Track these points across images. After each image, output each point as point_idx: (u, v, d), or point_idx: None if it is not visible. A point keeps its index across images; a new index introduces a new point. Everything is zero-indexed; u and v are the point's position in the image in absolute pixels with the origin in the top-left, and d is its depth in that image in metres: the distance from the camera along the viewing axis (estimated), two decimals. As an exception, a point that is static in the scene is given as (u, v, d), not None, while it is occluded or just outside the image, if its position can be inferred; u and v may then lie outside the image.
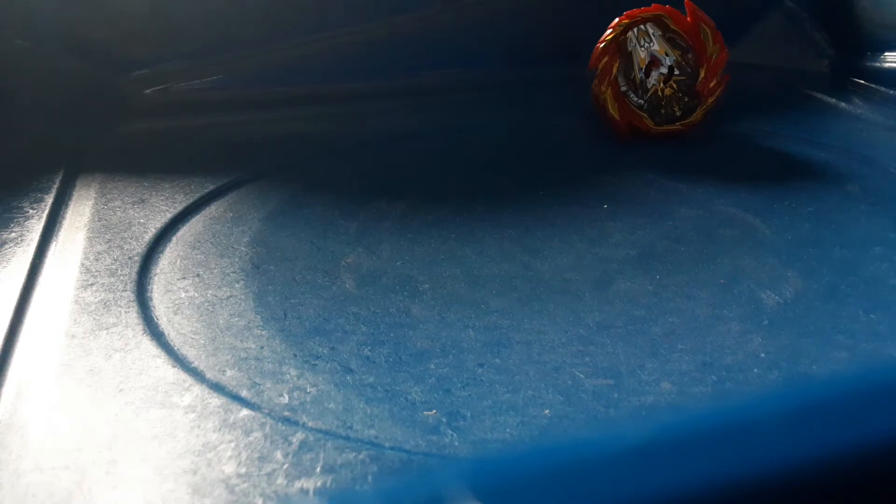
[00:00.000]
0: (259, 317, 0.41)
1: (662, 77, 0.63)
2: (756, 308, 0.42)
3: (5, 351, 0.38)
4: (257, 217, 0.52)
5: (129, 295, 0.43)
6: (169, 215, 0.52)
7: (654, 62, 0.63)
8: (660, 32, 0.63)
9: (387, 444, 0.32)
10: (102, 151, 0.63)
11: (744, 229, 0.50)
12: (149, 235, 0.49)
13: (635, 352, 0.39)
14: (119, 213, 0.52)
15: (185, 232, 0.50)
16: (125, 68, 0.71)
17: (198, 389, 0.36)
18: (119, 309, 0.42)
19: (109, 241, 0.49)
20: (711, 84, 0.63)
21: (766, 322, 0.41)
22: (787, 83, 0.78)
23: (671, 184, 0.57)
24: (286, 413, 0.34)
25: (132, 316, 0.41)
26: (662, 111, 0.64)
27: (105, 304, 0.42)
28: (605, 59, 0.62)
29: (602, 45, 0.62)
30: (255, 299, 0.43)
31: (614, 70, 0.62)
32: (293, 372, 0.37)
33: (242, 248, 0.48)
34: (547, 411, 0.35)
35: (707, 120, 0.64)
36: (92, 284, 0.44)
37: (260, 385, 0.36)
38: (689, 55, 0.63)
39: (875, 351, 0.38)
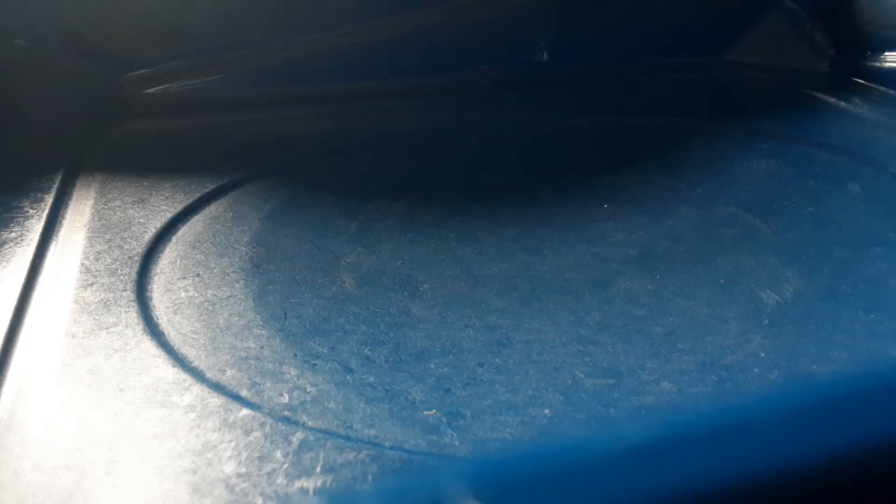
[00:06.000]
0: (259, 316, 0.41)
1: None
2: (756, 308, 0.42)
3: (5, 351, 0.38)
4: (257, 217, 0.52)
5: (129, 295, 0.43)
6: (169, 215, 0.52)
7: None
8: None
9: (387, 444, 0.32)
10: (102, 151, 0.63)
11: (744, 229, 0.50)
12: (149, 235, 0.49)
13: (635, 351, 0.39)
14: (119, 213, 0.52)
15: (185, 232, 0.50)
16: (125, 68, 0.71)
17: (198, 389, 0.36)
18: (119, 309, 0.42)
19: (109, 241, 0.49)
20: None
21: (766, 322, 0.41)
22: (787, 83, 0.78)
23: (671, 184, 0.57)
24: (286, 413, 0.34)
25: (132, 316, 0.41)
26: None
27: (105, 303, 0.42)
28: None
29: None
30: (255, 299, 0.43)
31: None
32: (293, 372, 0.37)
33: (242, 248, 0.48)
34: (547, 411, 0.35)
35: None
36: (92, 284, 0.44)
37: (260, 385, 0.36)
38: None
39: (875, 351, 0.38)
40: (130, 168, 0.59)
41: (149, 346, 0.39)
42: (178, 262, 0.47)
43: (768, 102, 0.74)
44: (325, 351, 0.39)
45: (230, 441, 0.32)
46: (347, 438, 0.33)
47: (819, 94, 0.74)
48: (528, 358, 0.38)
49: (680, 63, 0.81)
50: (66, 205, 0.54)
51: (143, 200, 0.54)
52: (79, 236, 0.49)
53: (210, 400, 0.35)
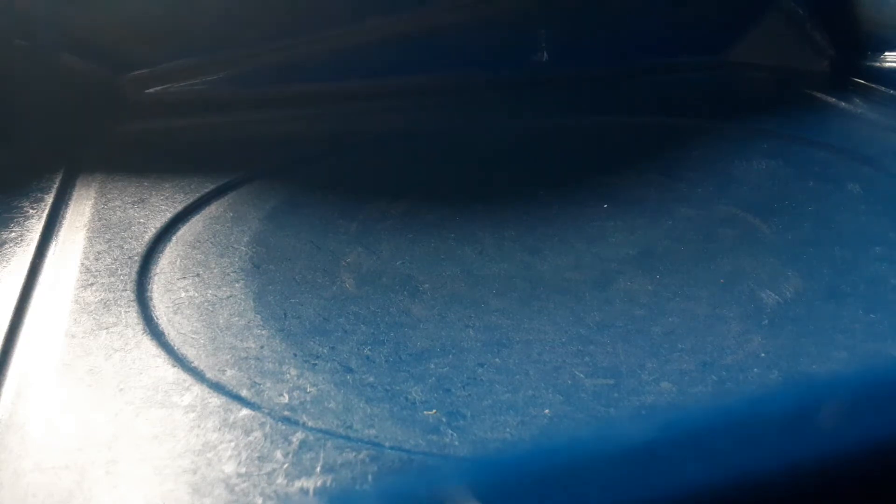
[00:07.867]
0: (259, 317, 0.41)
1: None
2: (756, 308, 0.42)
3: (5, 351, 0.38)
4: (257, 217, 0.52)
5: (129, 295, 0.43)
6: (169, 215, 0.52)
7: None
8: None
9: (387, 444, 0.32)
10: (102, 151, 0.63)
11: (744, 229, 0.50)
12: (149, 235, 0.49)
13: (635, 351, 0.39)
14: (119, 213, 0.52)
15: (185, 232, 0.50)
16: (125, 68, 0.71)
17: (198, 389, 0.36)
18: (119, 309, 0.42)
19: (109, 241, 0.49)
20: None
21: (766, 322, 0.41)
22: (787, 83, 0.78)
23: (671, 184, 0.57)
24: (286, 413, 0.34)
25: (132, 316, 0.41)
26: None
27: (105, 303, 0.42)
28: None
29: None
30: (255, 299, 0.43)
31: None
32: (293, 372, 0.37)
33: (242, 248, 0.48)
34: (547, 411, 0.35)
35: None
36: (92, 284, 0.44)
37: (260, 385, 0.36)
38: None
39: (875, 351, 0.38)
40: (130, 168, 0.59)
41: (149, 346, 0.39)
42: (178, 262, 0.47)
43: (768, 102, 0.74)
44: (325, 351, 0.39)
45: (230, 441, 0.32)
46: (347, 438, 0.33)
47: (819, 94, 0.74)
48: (528, 358, 0.38)
49: (680, 63, 0.81)
50: (66, 205, 0.54)
51: (143, 200, 0.54)
52: (79, 236, 0.49)
53: (210, 400, 0.35)
